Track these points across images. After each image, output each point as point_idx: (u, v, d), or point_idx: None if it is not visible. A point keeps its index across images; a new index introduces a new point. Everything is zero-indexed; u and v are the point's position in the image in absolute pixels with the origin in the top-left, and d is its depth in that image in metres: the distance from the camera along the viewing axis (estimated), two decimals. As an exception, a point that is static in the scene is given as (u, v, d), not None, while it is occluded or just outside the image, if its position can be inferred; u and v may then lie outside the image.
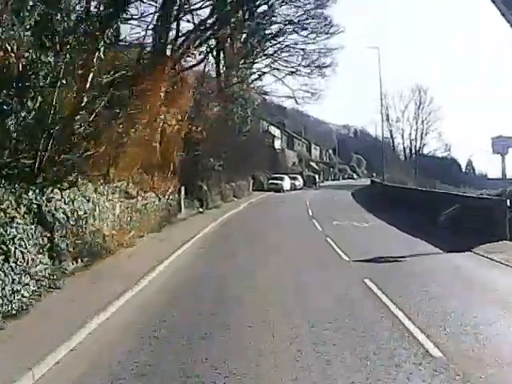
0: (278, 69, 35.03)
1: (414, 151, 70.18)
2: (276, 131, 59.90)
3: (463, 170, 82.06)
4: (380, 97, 41.07)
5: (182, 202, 19.18)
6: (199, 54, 19.55)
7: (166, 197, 16.03)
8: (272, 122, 57.23)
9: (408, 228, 16.41)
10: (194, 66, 19.55)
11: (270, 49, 33.90)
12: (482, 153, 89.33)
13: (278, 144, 59.02)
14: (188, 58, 18.10)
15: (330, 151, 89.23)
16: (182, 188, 19.27)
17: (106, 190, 11.39)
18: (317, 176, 60.20)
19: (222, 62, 31.64)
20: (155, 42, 17.75)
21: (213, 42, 23.77)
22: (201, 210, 21.94)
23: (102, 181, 12.07)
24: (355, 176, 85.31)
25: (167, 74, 16.49)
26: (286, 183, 44.00)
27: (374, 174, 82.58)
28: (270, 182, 42.65)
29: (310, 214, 22.54)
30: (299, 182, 49.61)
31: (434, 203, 18.96)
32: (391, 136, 70.50)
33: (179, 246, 12.05)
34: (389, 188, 32.64)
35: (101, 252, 9.95)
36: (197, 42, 18.31)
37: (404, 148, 72.06)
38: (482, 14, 71.34)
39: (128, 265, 9.65)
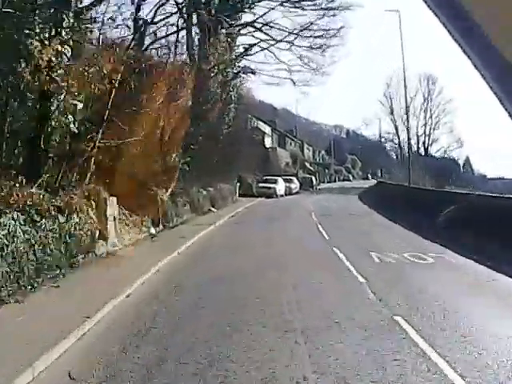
0: (265, 40, 26.95)
1: (422, 148, 62.62)
2: (266, 128, 52.44)
3: (461, 170, 76.02)
4: (403, 74, 32.74)
5: (112, 222, 11.19)
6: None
7: (58, 219, 8.02)
8: (262, 118, 49.68)
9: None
10: None
11: (258, 9, 25.80)
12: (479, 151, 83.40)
13: (268, 142, 51.54)
14: None
15: (323, 152, 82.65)
16: (112, 198, 11.28)
17: None
18: (313, 178, 52.34)
19: (196, 27, 23.84)
20: None
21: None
22: (152, 231, 13.98)
23: None
24: (351, 177, 79.30)
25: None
26: (280, 186, 36.15)
27: (369, 175, 76.62)
28: (261, 185, 34.77)
29: (326, 236, 14.16)
30: (295, 185, 41.59)
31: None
32: (396, 132, 63.07)
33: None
34: (415, 191, 24.72)
35: None
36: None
37: (410, 145, 64.37)
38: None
39: None
